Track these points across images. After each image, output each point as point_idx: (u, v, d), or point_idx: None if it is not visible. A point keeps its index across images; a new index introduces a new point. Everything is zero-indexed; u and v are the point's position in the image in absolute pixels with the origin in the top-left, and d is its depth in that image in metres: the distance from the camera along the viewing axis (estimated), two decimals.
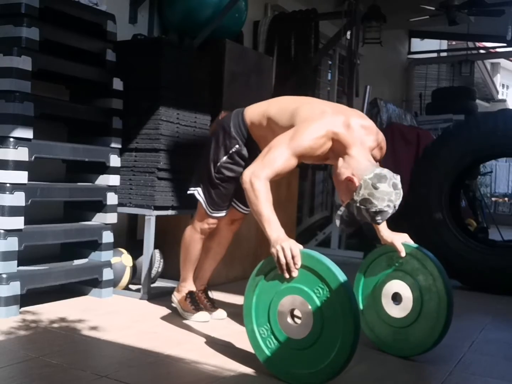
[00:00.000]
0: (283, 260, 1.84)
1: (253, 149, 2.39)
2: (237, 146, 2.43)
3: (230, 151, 2.43)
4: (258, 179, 1.98)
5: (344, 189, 2.03)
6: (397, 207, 1.98)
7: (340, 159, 2.07)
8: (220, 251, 2.74)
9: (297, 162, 2.08)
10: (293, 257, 1.83)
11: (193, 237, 2.59)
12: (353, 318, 1.75)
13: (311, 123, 2.08)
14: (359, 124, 2.12)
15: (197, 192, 2.53)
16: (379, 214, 1.94)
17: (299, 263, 1.83)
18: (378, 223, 2.03)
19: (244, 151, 2.43)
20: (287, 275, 1.85)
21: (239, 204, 2.62)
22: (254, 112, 2.41)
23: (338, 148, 2.08)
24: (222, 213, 2.55)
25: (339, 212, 2.06)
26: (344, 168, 2.04)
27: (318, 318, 1.80)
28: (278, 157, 2.03)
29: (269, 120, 2.30)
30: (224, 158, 2.45)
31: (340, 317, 1.76)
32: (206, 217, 2.54)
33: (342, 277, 1.78)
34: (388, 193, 1.92)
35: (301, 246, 1.86)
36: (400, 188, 1.96)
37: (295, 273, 1.84)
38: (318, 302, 1.80)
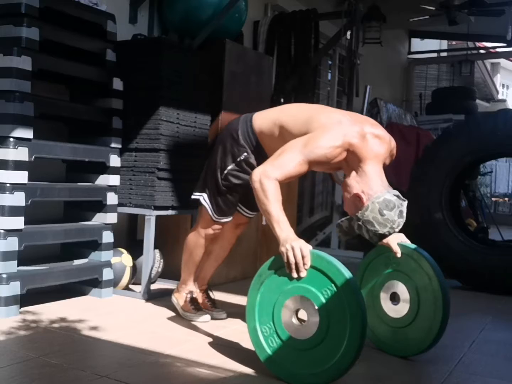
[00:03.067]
0: (292, 260, 1.83)
1: (262, 158, 2.31)
2: (245, 154, 2.38)
3: (238, 159, 2.39)
4: (268, 178, 1.97)
5: (351, 203, 2.06)
6: (395, 232, 2.07)
7: (353, 172, 2.07)
8: (222, 254, 2.74)
9: (309, 168, 2.06)
10: (302, 257, 1.83)
11: (197, 242, 2.58)
12: (361, 320, 1.75)
13: (327, 131, 2.05)
14: (373, 134, 2.10)
15: (203, 198, 2.49)
16: (378, 236, 2.06)
17: (308, 264, 1.83)
18: (374, 242, 2.11)
19: (252, 159, 2.39)
20: (295, 275, 1.85)
21: (244, 208, 2.61)
22: (264, 120, 2.35)
23: (352, 160, 2.07)
24: (227, 219, 2.54)
25: (340, 222, 2.13)
26: (356, 182, 2.05)
27: (325, 319, 1.80)
28: (290, 160, 2.01)
29: (281, 128, 2.25)
30: (232, 165, 2.41)
31: (347, 319, 1.76)
32: (212, 223, 2.51)
33: (351, 279, 1.78)
34: (392, 221, 2.01)
35: (310, 247, 1.86)
36: (405, 215, 2.04)
37: (303, 273, 1.84)
38: (325, 303, 1.80)
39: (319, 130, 2.07)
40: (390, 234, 2.05)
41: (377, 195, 1.99)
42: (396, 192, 2.03)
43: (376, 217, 1.98)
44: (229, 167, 2.41)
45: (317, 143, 2.02)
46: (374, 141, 2.09)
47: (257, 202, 2.02)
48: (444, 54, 10.15)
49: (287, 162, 2.02)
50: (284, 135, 2.22)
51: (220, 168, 2.43)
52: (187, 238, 2.63)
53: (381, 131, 2.16)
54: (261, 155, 2.34)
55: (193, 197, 2.55)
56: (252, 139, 2.37)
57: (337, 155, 2.05)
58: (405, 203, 2.03)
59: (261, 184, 1.98)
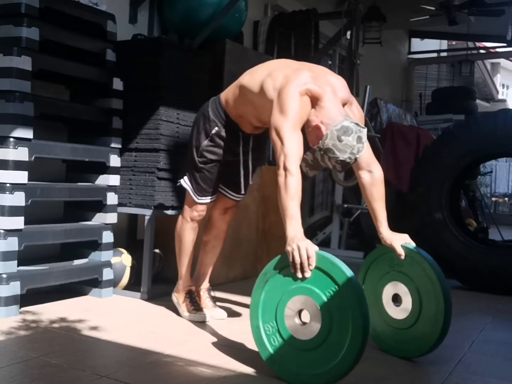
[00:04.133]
0: (297, 260, 1.84)
1: (232, 129, 2.47)
2: (216, 128, 2.49)
3: (210, 134, 2.49)
4: (292, 175, 1.99)
5: (313, 136, 2.12)
6: (358, 158, 2.09)
7: (312, 109, 2.12)
8: (217, 244, 2.76)
9: (303, 127, 2.13)
10: (308, 258, 1.83)
11: (183, 226, 2.63)
12: (363, 322, 1.75)
13: (286, 91, 2.10)
14: (329, 77, 2.21)
15: (183, 181, 2.59)
16: (340, 163, 2.07)
17: (313, 264, 1.83)
18: (338, 171, 2.16)
19: (223, 133, 2.49)
20: (300, 275, 1.85)
21: (229, 191, 2.66)
22: (228, 90, 2.50)
23: (313, 102, 2.13)
24: (208, 199, 2.59)
25: (304, 156, 2.16)
26: (314, 116, 2.11)
27: (327, 320, 1.80)
28: (291, 142, 2.05)
29: (241, 88, 2.38)
30: (206, 141, 2.50)
31: (349, 321, 1.76)
32: (194, 204, 2.58)
33: (354, 281, 1.78)
34: (351, 146, 2.02)
35: (317, 248, 1.86)
36: (365, 141, 2.07)
37: (308, 274, 1.84)
38: (328, 304, 1.80)
39: (281, 94, 2.12)
40: (352, 160, 2.06)
41: (335, 124, 2.03)
42: (355, 120, 2.09)
43: (335, 144, 2.02)
44: (203, 143, 2.51)
45: (288, 104, 2.07)
46: (329, 81, 2.18)
47: (278, 195, 2.03)
48: (444, 54, 10.14)
49: (291, 147, 2.04)
50: (245, 93, 2.35)
51: (195, 147, 2.53)
52: (176, 226, 2.67)
53: (338, 77, 2.27)
54: (232, 127, 2.47)
55: (177, 184, 2.64)
56: (221, 112, 2.48)
57: (307, 103, 2.11)
58: (365, 130, 2.06)
59: (286, 179, 1.99)
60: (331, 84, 2.18)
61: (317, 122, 2.08)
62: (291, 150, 2.04)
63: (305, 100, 2.11)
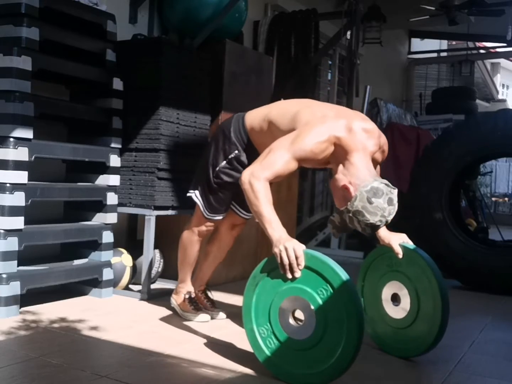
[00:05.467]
0: (286, 261, 1.83)
1: (253, 155, 2.31)
2: (236, 151, 2.39)
3: (229, 156, 2.40)
4: (257, 179, 1.97)
5: (340, 196, 2.03)
6: (389, 221, 2.00)
7: (340, 166, 2.04)
8: (219, 255, 2.74)
9: (297, 165, 2.05)
10: (296, 258, 1.82)
11: (190, 239, 2.59)
12: (357, 319, 1.75)
13: (313, 127, 2.05)
14: (361, 127, 2.08)
15: (195, 195, 2.51)
16: (370, 226, 1.97)
17: (302, 264, 1.83)
18: (368, 234, 2.03)
19: (243, 157, 2.39)
20: (289, 276, 1.84)
21: (240, 209, 2.60)
22: (255, 117, 2.37)
23: (340, 153, 2.05)
24: (219, 217, 2.53)
25: (332, 217, 2.09)
26: (343, 175, 2.02)
27: (321, 319, 1.80)
28: (278, 159, 2.01)
29: (270, 124, 2.27)
30: (223, 163, 2.42)
31: (344, 319, 1.76)
32: (204, 220, 2.52)
33: (346, 278, 1.78)
34: (382, 208, 1.93)
35: (304, 247, 1.86)
36: (396, 203, 1.97)
37: (298, 274, 1.83)
38: (321, 303, 1.80)
39: (304, 127, 2.06)
40: (382, 223, 1.97)
41: (364, 184, 1.95)
42: (385, 181, 1.99)
43: (365, 206, 1.93)
44: (221, 165, 2.42)
45: (303, 139, 2.01)
46: (362, 134, 2.07)
47: (248, 204, 2.01)
48: (444, 54, 10.15)
49: (275, 161, 2.01)
50: (273, 131, 2.23)
51: (212, 165, 2.44)
52: (181, 236, 2.64)
53: (370, 125, 2.14)
54: (252, 153, 2.34)
55: (188, 194, 2.56)
56: (243, 136, 2.38)
57: (324, 150, 2.04)
58: (395, 190, 1.98)
59: (251, 185, 1.97)
60: (364, 138, 2.07)
61: (345, 182, 1.99)
62: (273, 167, 1.99)
63: (327, 147, 2.03)
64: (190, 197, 2.54)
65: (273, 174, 2.00)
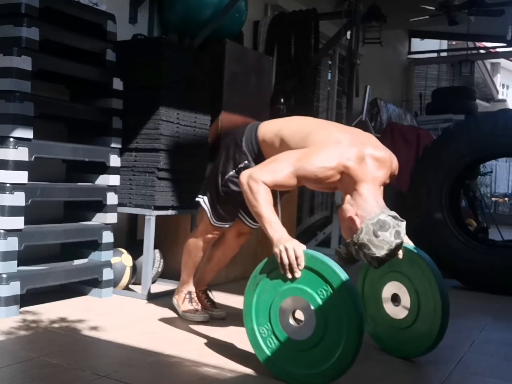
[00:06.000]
0: (286, 261, 1.83)
1: None
2: (246, 161, 2.36)
3: (239, 166, 2.37)
4: (255, 181, 1.96)
5: (346, 227, 2.00)
6: (397, 255, 1.98)
7: (348, 196, 2.01)
8: (223, 260, 2.75)
9: (297, 183, 2.02)
10: (296, 258, 1.82)
11: (196, 245, 2.59)
12: (358, 319, 1.75)
13: (323, 150, 1.99)
14: (373, 156, 2.03)
15: (203, 201, 2.50)
16: (376, 260, 1.92)
17: (302, 264, 1.83)
18: (374, 267, 1.99)
19: None
20: (290, 276, 1.84)
21: (247, 218, 2.58)
22: (268, 129, 2.31)
23: (348, 182, 2.00)
24: (226, 225, 2.53)
25: (338, 249, 2.06)
26: (350, 205, 1.99)
27: (321, 320, 1.80)
28: (279, 170, 1.99)
29: (281, 140, 2.21)
30: (232, 172, 2.39)
31: (344, 319, 1.76)
32: (210, 227, 2.51)
33: (346, 278, 1.78)
34: (388, 242, 1.89)
35: (304, 247, 1.86)
36: (403, 236, 1.93)
37: (298, 274, 1.83)
38: (321, 304, 1.80)
39: (315, 147, 2.01)
40: (389, 257, 1.92)
41: (370, 217, 1.91)
42: (393, 213, 1.95)
43: (371, 239, 1.88)
44: (230, 173, 2.40)
45: (310, 160, 1.97)
46: (373, 164, 2.02)
47: (248, 205, 2.01)
48: (444, 54, 10.14)
49: (276, 170, 1.99)
50: (283, 148, 2.18)
51: (221, 173, 2.42)
52: (187, 240, 2.64)
53: (382, 153, 2.08)
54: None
55: (196, 199, 2.55)
56: (254, 147, 2.35)
57: (329, 177, 1.99)
58: (403, 223, 1.93)
59: (249, 186, 1.97)
60: (374, 168, 2.02)
61: (352, 214, 1.96)
62: (273, 175, 1.97)
63: (332, 175, 1.98)
64: (198, 202, 2.52)
65: (271, 182, 1.98)
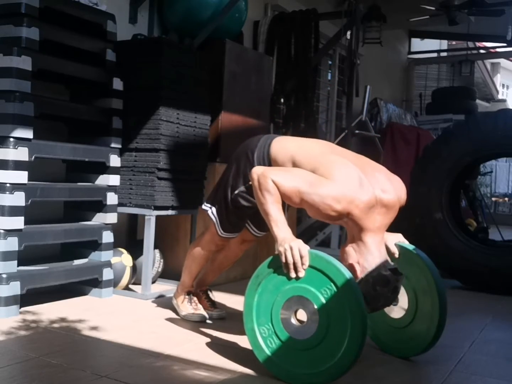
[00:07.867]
0: (290, 260, 1.83)
1: None
2: None
3: (249, 182, 2.31)
4: (266, 179, 1.97)
5: (346, 267, 1.97)
6: (392, 306, 2.07)
7: (352, 238, 2.01)
8: (226, 264, 2.75)
9: (299, 204, 2.00)
10: (301, 257, 1.83)
11: (200, 251, 2.59)
12: (361, 319, 1.75)
13: (337, 188, 1.94)
14: (382, 203, 2.00)
15: (211, 212, 2.48)
16: (369, 308, 1.96)
17: (307, 263, 1.83)
18: (368, 312, 1.95)
19: None
20: (293, 275, 1.85)
21: (253, 227, 2.58)
22: (281, 151, 2.26)
23: (352, 225, 1.99)
24: (233, 236, 2.54)
25: None
26: (353, 251, 2.00)
27: (324, 319, 1.80)
28: (291, 181, 1.98)
29: (293, 165, 2.16)
30: (242, 187, 2.37)
31: (347, 318, 1.76)
32: (217, 237, 2.51)
33: (350, 278, 1.78)
34: (385, 297, 1.96)
35: (308, 247, 1.86)
36: (399, 290, 2.01)
37: (302, 273, 1.84)
38: (325, 303, 1.80)
39: (331, 177, 1.96)
40: (382, 307, 2.01)
41: (371, 269, 1.94)
42: (393, 265, 1.97)
43: (369, 292, 1.92)
44: (240, 189, 2.38)
45: (320, 192, 1.93)
46: (381, 211, 2.00)
47: (256, 201, 2.03)
48: (444, 54, 10.14)
49: (288, 179, 1.99)
50: None
51: (231, 186, 2.40)
52: (192, 247, 2.65)
53: (391, 197, 2.04)
54: None
55: (203, 207, 2.54)
56: (266, 164, 2.30)
57: (330, 217, 1.96)
58: (402, 277, 1.97)
59: (260, 183, 1.99)
60: (381, 216, 2.00)
61: (353, 262, 1.97)
62: (282, 179, 1.96)
63: (334, 216, 1.95)
64: (206, 212, 2.51)
65: (280, 183, 1.97)
